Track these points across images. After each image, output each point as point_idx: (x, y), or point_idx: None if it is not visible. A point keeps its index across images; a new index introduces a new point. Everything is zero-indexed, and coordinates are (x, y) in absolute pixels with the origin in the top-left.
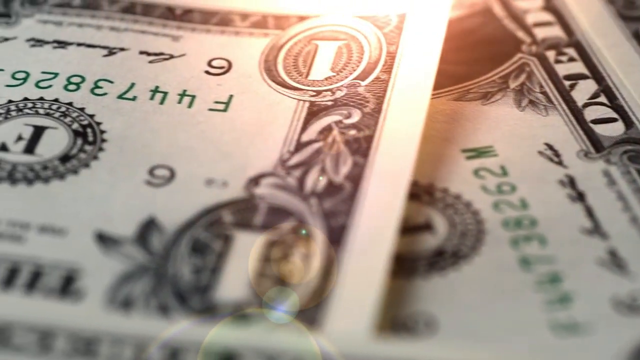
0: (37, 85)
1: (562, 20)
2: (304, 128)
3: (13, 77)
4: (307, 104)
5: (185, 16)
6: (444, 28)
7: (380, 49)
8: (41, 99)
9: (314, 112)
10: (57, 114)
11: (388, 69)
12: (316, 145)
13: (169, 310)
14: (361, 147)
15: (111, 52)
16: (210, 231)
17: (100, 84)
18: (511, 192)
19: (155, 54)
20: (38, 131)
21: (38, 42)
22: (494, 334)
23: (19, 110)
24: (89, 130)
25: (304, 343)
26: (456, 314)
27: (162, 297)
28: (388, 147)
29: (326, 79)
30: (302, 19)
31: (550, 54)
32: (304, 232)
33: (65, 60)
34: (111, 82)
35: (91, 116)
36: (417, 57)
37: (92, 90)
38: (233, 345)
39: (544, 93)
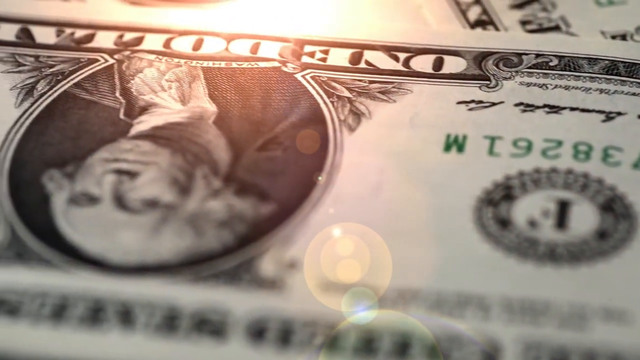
0: (543, 154)
1: None
2: None
3: (515, 145)
4: None
5: None
6: None
7: None
8: (554, 170)
9: None
10: (576, 186)
11: None
12: None
13: None
14: None
15: (608, 116)
16: None
17: (609, 152)
18: None
19: None
20: (562, 205)
21: (528, 107)
22: None
23: (534, 182)
24: (615, 204)
25: None
26: None
27: None
28: None
29: None
30: None
31: None
32: None
33: (564, 126)
34: (620, 150)
35: (611, 188)
36: None
37: (603, 160)
38: None
39: None
